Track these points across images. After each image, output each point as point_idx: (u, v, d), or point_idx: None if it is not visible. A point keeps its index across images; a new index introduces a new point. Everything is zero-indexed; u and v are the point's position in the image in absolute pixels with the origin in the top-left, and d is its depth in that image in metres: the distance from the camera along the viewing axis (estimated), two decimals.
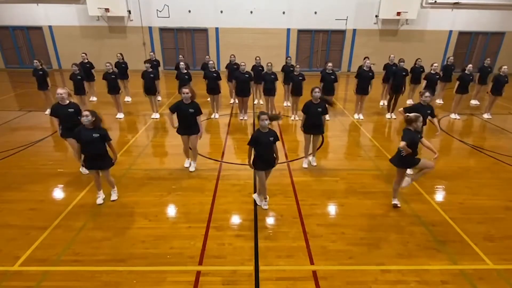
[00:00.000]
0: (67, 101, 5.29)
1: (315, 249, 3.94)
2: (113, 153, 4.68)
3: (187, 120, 5.49)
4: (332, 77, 8.62)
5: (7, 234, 4.16)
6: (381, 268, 3.66)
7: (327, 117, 8.90)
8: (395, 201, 4.82)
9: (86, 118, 4.32)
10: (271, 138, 4.36)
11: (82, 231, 4.23)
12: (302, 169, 6.05)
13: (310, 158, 6.22)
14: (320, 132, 5.89)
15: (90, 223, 4.39)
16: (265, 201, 4.79)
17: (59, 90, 5.25)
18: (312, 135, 5.91)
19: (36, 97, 9.26)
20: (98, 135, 4.41)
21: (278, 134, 7.60)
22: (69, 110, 5.25)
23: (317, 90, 5.62)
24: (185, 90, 5.33)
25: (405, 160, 4.38)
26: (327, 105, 5.72)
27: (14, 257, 3.73)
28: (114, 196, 4.97)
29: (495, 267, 3.70)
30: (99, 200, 4.84)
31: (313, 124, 5.76)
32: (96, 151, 4.51)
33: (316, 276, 3.54)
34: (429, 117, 5.62)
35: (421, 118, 4.30)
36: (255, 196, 4.93)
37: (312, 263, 3.73)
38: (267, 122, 4.26)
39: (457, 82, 9.08)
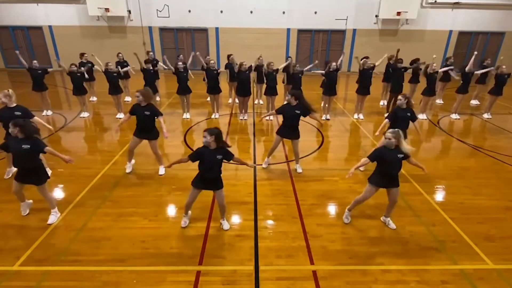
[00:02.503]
0: (14, 104, 4.98)
1: (315, 249, 3.94)
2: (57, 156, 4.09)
3: (143, 123, 5.39)
4: (334, 73, 8.61)
5: (7, 234, 4.16)
6: (381, 268, 3.66)
7: (328, 116, 9.04)
8: (346, 218, 4.47)
9: (12, 129, 3.84)
10: (219, 157, 3.85)
11: (82, 231, 4.23)
12: (302, 169, 6.02)
13: (296, 165, 5.97)
14: (296, 137, 5.68)
15: (90, 223, 4.39)
16: (222, 220, 4.32)
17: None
18: (289, 139, 5.76)
19: (36, 97, 9.24)
20: (29, 146, 3.87)
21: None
22: (15, 113, 4.88)
23: (288, 96, 5.50)
24: (137, 93, 5.21)
25: (382, 178, 4.09)
26: (308, 109, 5.49)
27: (14, 257, 3.73)
28: (52, 219, 4.33)
29: (495, 267, 3.70)
30: (23, 212, 4.46)
31: (289, 127, 5.60)
32: (27, 165, 4.03)
33: (316, 276, 3.54)
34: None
35: (388, 135, 3.89)
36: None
37: (312, 263, 3.74)
38: (207, 138, 3.73)
39: (461, 82, 9.07)
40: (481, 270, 3.66)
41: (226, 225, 4.33)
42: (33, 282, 3.42)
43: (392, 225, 4.38)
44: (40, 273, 3.53)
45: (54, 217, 4.40)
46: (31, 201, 4.61)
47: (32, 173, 4.11)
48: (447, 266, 3.72)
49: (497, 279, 3.54)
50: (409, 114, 5.42)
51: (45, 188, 4.28)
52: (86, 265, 3.66)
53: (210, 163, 3.87)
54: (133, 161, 5.86)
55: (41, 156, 4.25)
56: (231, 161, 4.08)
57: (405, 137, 5.45)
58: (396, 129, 3.95)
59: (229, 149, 3.97)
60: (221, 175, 4.06)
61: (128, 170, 5.75)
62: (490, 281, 3.52)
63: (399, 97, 5.47)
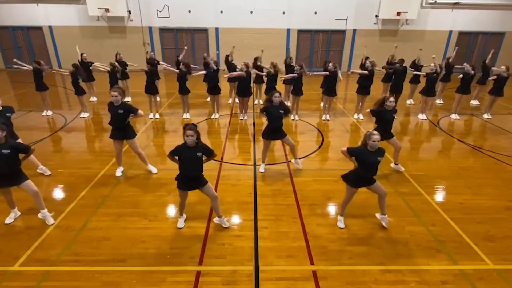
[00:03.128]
0: (1, 108, 4.98)
1: (315, 249, 3.94)
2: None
3: (118, 122, 5.28)
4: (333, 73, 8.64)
5: (7, 234, 4.16)
6: (381, 268, 3.66)
7: (328, 116, 9.04)
8: (340, 223, 4.39)
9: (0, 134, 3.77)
10: (199, 154, 3.85)
11: (82, 231, 4.23)
12: (302, 169, 6.01)
13: (293, 160, 6.00)
14: (283, 135, 5.66)
15: (90, 223, 4.39)
16: (220, 218, 4.30)
17: None
18: (276, 140, 5.75)
19: (36, 97, 9.25)
20: (9, 150, 3.81)
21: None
22: (7, 115, 4.96)
23: (277, 95, 5.43)
24: (114, 93, 5.05)
25: (359, 179, 4.12)
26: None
27: (14, 257, 3.73)
28: (50, 220, 4.33)
29: (495, 267, 3.70)
30: (8, 220, 4.36)
31: (274, 128, 5.57)
32: (6, 171, 3.92)
33: (316, 276, 3.54)
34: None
35: (374, 137, 3.83)
36: (216, 220, 4.38)
37: (312, 263, 3.73)
38: (193, 138, 3.72)
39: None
40: (481, 270, 3.66)
41: (225, 223, 4.30)
42: (33, 282, 3.42)
43: (385, 222, 4.32)
44: (40, 273, 3.53)
45: (50, 218, 4.34)
46: (19, 213, 4.52)
47: (11, 177, 4.03)
48: (447, 266, 3.72)
49: (497, 279, 3.54)
50: (394, 116, 5.56)
51: (30, 185, 4.15)
52: (86, 265, 3.66)
53: (190, 161, 3.87)
54: (122, 167, 5.81)
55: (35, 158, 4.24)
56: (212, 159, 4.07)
57: (391, 136, 5.66)
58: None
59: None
60: (203, 173, 4.05)
61: (117, 174, 5.71)
62: (490, 281, 3.52)
63: (391, 98, 5.43)
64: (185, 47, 9.43)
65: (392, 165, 6.02)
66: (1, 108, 5.02)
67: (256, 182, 5.54)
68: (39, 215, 4.34)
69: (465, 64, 9.07)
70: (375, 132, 3.90)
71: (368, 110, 5.59)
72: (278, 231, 4.30)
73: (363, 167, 4.01)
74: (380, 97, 5.60)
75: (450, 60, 10.62)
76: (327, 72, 8.78)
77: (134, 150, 5.61)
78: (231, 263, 3.72)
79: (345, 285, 3.43)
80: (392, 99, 5.43)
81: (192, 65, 9.24)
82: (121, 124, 5.34)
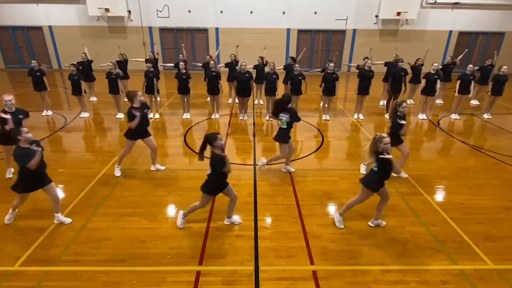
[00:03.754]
0: (14, 108, 4.98)
1: (315, 249, 3.94)
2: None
3: (145, 122, 5.45)
4: (334, 76, 8.63)
5: (7, 234, 4.16)
6: (381, 268, 3.66)
7: (328, 117, 9.05)
8: (339, 223, 4.37)
9: (27, 134, 3.81)
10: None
11: (82, 231, 4.23)
12: (302, 169, 6.02)
13: (283, 168, 5.98)
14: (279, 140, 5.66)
15: (90, 223, 4.39)
16: (229, 219, 4.40)
17: (6, 97, 4.89)
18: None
19: (36, 97, 9.25)
20: (41, 148, 3.94)
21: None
22: (19, 117, 4.96)
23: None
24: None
25: (381, 183, 4.05)
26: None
27: (14, 257, 3.73)
28: (67, 220, 4.39)
29: (495, 267, 3.70)
30: (8, 220, 4.36)
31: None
32: (42, 169, 4.06)
33: (316, 276, 3.54)
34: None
35: (385, 140, 3.80)
36: (226, 221, 4.45)
37: (312, 263, 3.73)
38: (223, 140, 3.95)
39: (458, 82, 9.03)
40: (481, 270, 3.66)
41: (237, 220, 4.41)
42: (33, 282, 3.42)
43: (382, 224, 4.39)
44: (40, 273, 3.53)
45: (66, 219, 4.38)
46: (15, 212, 4.47)
47: (42, 176, 4.15)
48: (447, 266, 3.72)
49: (497, 279, 3.54)
50: (405, 121, 5.44)
51: (55, 187, 4.29)
52: (86, 265, 3.66)
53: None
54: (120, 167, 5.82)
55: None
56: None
57: (401, 142, 5.49)
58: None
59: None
60: None
61: (117, 174, 5.70)
62: (490, 281, 3.52)
63: (404, 104, 5.29)
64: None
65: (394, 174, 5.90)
66: (14, 109, 5.02)
67: (256, 182, 5.54)
68: (55, 221, 4.36)
69: (469, 66, 9.06)
70: (384, 135, 3.86)
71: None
72: (278, 231, 4.30)
73: (388, 171, 3.94)
74: (392, 104, 5.46)
75: (457, 61, 10.75)
76: (323, 84, 8.81)
77: (153, 145, 5.72)
78: (231, 263, 3.72)
79: (345, 285, 3.43)
80: (405, 104, 5.29)
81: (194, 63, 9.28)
82: (147, 124, 5.53)
